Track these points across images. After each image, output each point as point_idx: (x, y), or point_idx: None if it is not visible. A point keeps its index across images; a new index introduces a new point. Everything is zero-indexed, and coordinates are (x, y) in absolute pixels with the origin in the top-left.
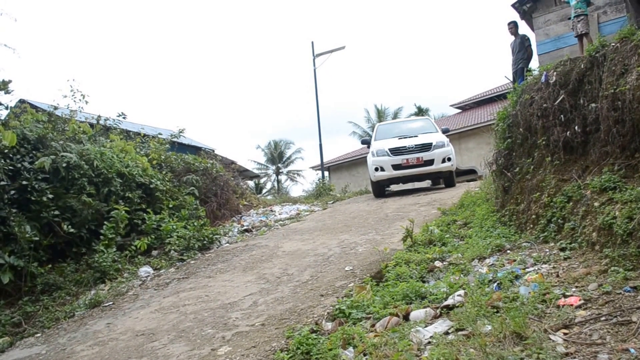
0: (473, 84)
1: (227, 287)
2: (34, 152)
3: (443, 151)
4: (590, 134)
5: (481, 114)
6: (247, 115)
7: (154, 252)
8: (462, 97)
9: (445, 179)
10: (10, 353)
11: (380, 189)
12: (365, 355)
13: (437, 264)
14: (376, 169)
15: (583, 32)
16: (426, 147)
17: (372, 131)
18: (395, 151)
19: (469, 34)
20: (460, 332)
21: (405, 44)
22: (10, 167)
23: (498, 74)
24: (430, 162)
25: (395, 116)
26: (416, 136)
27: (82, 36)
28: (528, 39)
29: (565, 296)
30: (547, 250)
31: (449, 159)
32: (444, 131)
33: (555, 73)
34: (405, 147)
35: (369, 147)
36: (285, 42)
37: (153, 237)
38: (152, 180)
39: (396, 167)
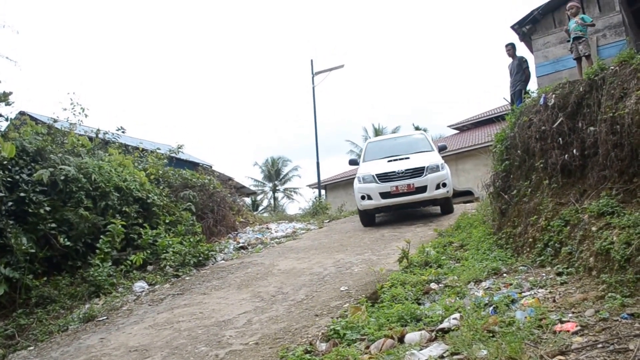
0: (471, 105)
1: (221, 305)
2: (32, 164)
3: (437, 176)
4: (588, 157)
5: (479, 135)
6: (245, 131)
7: (150, 267)
8: (459, 117)
9: (442, 206)
10: None
11: (369, 218)
12: None
13: (433, 286)
14: (362, 197)
15: (586, 54)
16: (418, 171)
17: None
18: (383, 177)
19: (468, 54)
20: (455, 357)
21: (403, 64)
22: (9, 179)
23: (496, 95)
24: (422, 189)
25: None
26: (407, 157)
27: (83, 50)
28: (526, 60)
29: (561, 322)
30: (543, 274)
31: (444, 185)
32: (441, 148)
33: (553, 95)
34: (394, 172)
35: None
36: (284, 59)
37: (149, 252)
38: (150, 195)
39: (384, 195)
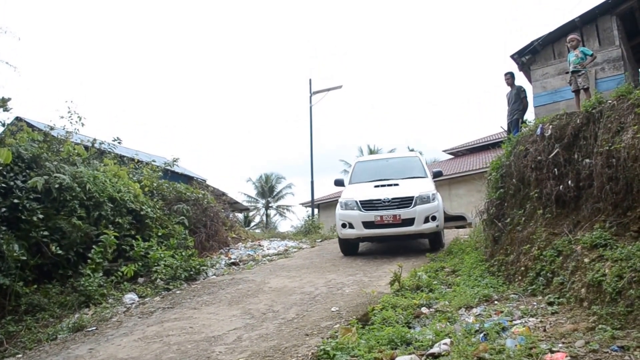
0: (466, 131)
1: (211, 320)
2: (27, 171)
3: (427, 208)
4: (583, 189)
5: (473, 161)
6: (239, 147)
7: (140, 280)
8: (455, 143)
9: (431, 241)
10: None
11: (349, 247)
12: None
13: (424, 310)
14: (343, 225)
15: (585, 86)
16: (406, 201)
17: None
18: (367, 205)
19: (466, 81)
20: None
21: (401, 88)
22: (3, 185)
23: (492, 122)
24: (409, 222)
25: None
26: (397, 184)
27: (81, 58)
28: (524, 90)
29: (551, 351)
30: (534, 303)
31: (434, 218)
32: (436, 175)
33: (550, 126)
34: (379, 200)
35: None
36: (283, 77)
37: (140, 264)
38: (143, 207)
39: (367, 224)
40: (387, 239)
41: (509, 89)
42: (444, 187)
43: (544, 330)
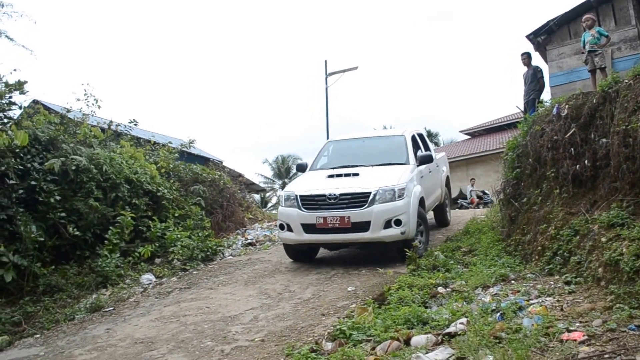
0: (483, 111)
1: (228, 300)
2: (44, 153)
3: (389, 208)
4: (600, 168)
5: (490, 142)
6: (256, 129)
7: (157, 260)
8: (471, 123)
9: (400, 251)
10: (9, 352)
11: (297, 253)
12: None
13: (440, 289)
14: (282, 227)
15: (602, 66)
16: (359, 199)
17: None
18: (308, 202)
19: (482, 61)
20: None
21: (419, 68)
22: (20, 167)
23: (509, 103)
24: (362, 227)
25: None
26: (357, 174)
27: (98, 42)
28: (541, 70)
29: (569, 331)
30: (551, 282)
31: (399, 222)
32: (423, 160)
33: (567, 106)
34: (323, 196)
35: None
36: (299, 58)
37: (157, 245)
38: (160, 189)
39: (308, 228)
40: (338, 246)
41: (525, 69)
42: (461, 167)
43: (561, 310)
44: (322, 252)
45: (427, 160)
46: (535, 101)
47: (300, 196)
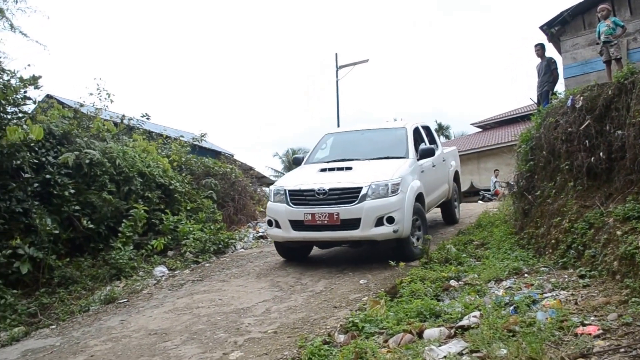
0: (495, 104)
1: (240, 292)
2: (58, 147)
3: (381, 204)
4: (615, 161)
5: (502, 135)
6: (266, 122)
7: (170, 253)
8: (483, 115)
9: (396, 249)
10: (25, 342)
11: (287, 251)
12: None
13: (453, 283)
14: (270, 223)
15: (618, 56)
16: (349, 194)
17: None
18: (296, 197)
19: (494, 53)
20: (475, 354)
21: (430, 60)
22: (35, 161)
23: (522, 95)
24: (352, 224)
25: None
26: (350, 168)
27: (110, 37)
28: (555, 61)
29: (583, 325)
30: (565, 276)
31: (391, 220)
32: (425, 153)
33: (581, 98)
34: (312, 191)
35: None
36: (310, 51)
37: (170, 237)
38: (172, 182)
39: (296, 225)
40: (328, 244)
41: (539, 60)
42: (473, 160)
43: (576, 304)
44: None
45: (428, 153)
46: (549, 93)
47: (289, 191)
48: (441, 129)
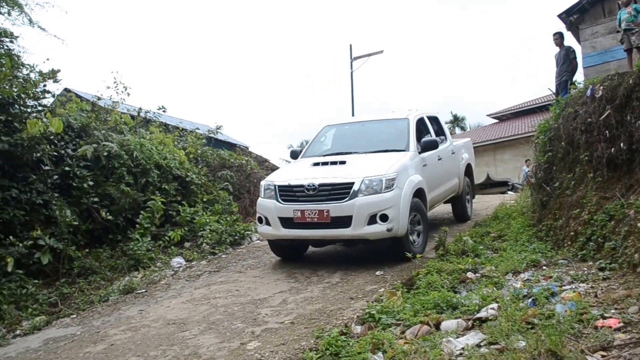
0: (512, 94)
1: (257, 283)
2: (77, 139)
3: (375, 201)
4: (636, 152)
5: (519, 126)
6: (280, 114)
7: (187, 244)
8: (499, 106)
9: (393, 248)
10: (47, 331)
11: (280, 249)
12: None
13: (470, 275)
14: (259, 220)
15: (639, 44)
16: (340, 190)
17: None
18: (286, 193)
19: (511, 42)
20: (493, 346)
21: (445, 51)
22: (55, 153)
23: (539, 85)
24: (343, 222)
25: None
26: (343, 162)
27: (125, 31)
28: (573, 50)
29: (603, 317)
30: (585, 268)
31: (385, 218)
32: (427, 146)
33: (601, 87)
34: (301, 186)
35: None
36: (323, 43)
37: (186, 229)
38: (188, 174)
39: (286, 222)
40: (320, 243)
41: (557, 49)
42: (489, 152)
43: (595, 296)
44: None
45: (431, 146)
46: (568, 83)
47: (278, 187)
48: (456, 120)
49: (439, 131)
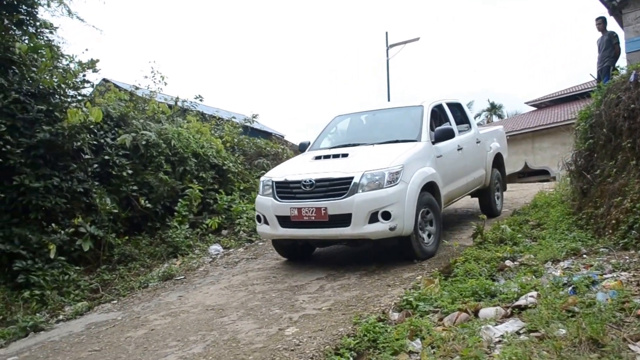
0: (551, 82)
1: (293, 270)
2: (116, 129)
3: (375, 197)
4: None
5: (558, 113)
6: (317, 103)
7: (224, 232)
8: (538, 94)
9: (399, 249)
10: (89, 316)
11: (284, 249)
12: (433, 348)
13: (508, 263)
14: (258, 219)
15: None
16: (338, 186)
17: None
18: (283, 189)
19: (552, 28)
20: (532, 334)
21: (482, 38)
22: (94, 142)
23: (580, 71)
24: (342, 220)
25: None
26: (346, 155)
27: (162, 21)
28: (616, 36)
29: None
30: (626, 257)
31: (387, 215)
32: (441, 135)
33: None
34: (298, 182)
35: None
36: (358, 31)
37: (224, 217)
38: (225, 162)
39: (284, 221)
40: (321, 243)
41: (599, 35)
42: (527, 140)
43: (638, 285)
44: None
45: (445, 135)
46: (610, 68)
47: (276, 183)
48: (493, 108)
49: (462, 119)
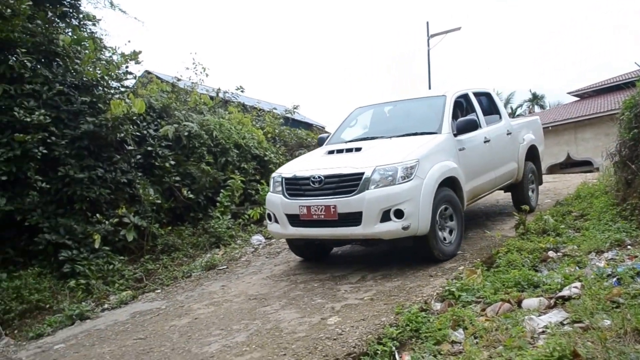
0: (595, 72)
1: (335, 261)
2: (158, 120)
3: (387, 194)
4: None
5: (601, 103)
6: (358, 94)
7: (266, 222)
8: (581, 84)
9: (415, 249)
10: (134, 305)
11: (298, 249)
12: (475, 338)
13: (551, 254)
14: (268, 217)
15: None
16: (348, 182)
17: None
18: (292, 186)
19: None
20: (576, 324)
21: (525, 27)
22: (138, 134)
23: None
24: (352, 219)
25: (506, 103)
26: (359, 149)
27: (203, 12)
28: None
29: None
30: None
31: (400, 214)
32: (464, 126)
33: None
34: (307, 178)
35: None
36: (401, 21)
37: (265, 207)
38: (267, 153)
39: (292, 219)
40: (334, 243)
41: None
42: (569, 131)
43: None
44: None
45: (469, 127)
46: None
47: (285, 179)
48: (535, 98)
49: (491, 109)
